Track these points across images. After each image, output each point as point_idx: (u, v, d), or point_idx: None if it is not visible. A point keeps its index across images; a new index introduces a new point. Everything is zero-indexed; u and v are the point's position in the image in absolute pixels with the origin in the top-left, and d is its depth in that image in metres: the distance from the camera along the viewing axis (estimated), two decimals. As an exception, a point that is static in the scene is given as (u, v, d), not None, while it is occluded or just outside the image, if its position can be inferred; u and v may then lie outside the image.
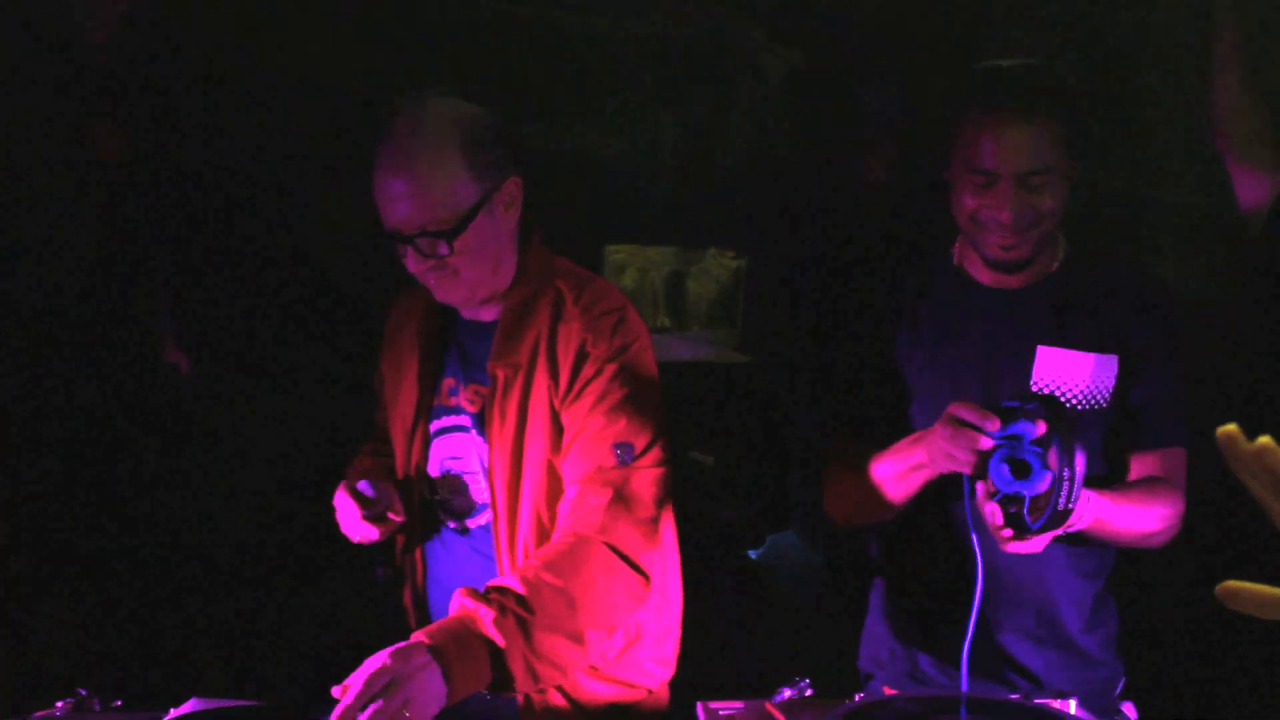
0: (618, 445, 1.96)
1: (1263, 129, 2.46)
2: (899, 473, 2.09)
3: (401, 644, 1.60)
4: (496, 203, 1.98)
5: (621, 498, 1.92)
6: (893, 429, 2.17)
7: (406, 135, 1.91)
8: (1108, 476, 2.14)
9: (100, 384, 2.93)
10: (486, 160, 1.94)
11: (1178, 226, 2.92)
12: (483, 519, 2.08)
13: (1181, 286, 2.53)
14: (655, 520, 1.97)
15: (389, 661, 1.56)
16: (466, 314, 2.11)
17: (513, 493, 1.99)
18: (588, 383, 1.99)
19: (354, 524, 2.06)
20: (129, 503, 2.96)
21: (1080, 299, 2.16)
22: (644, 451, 1.99)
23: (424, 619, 2.15)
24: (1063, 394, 2.12)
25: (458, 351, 2.12)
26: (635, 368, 2.03)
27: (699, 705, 1.84)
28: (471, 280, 2.00)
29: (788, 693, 1.84)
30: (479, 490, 2.07)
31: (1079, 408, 2.11)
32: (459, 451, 2.10)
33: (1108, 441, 2.14)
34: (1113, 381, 2.12)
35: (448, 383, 2.12)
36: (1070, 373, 2.12)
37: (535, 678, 1.73)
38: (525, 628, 1.71)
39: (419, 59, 3.11)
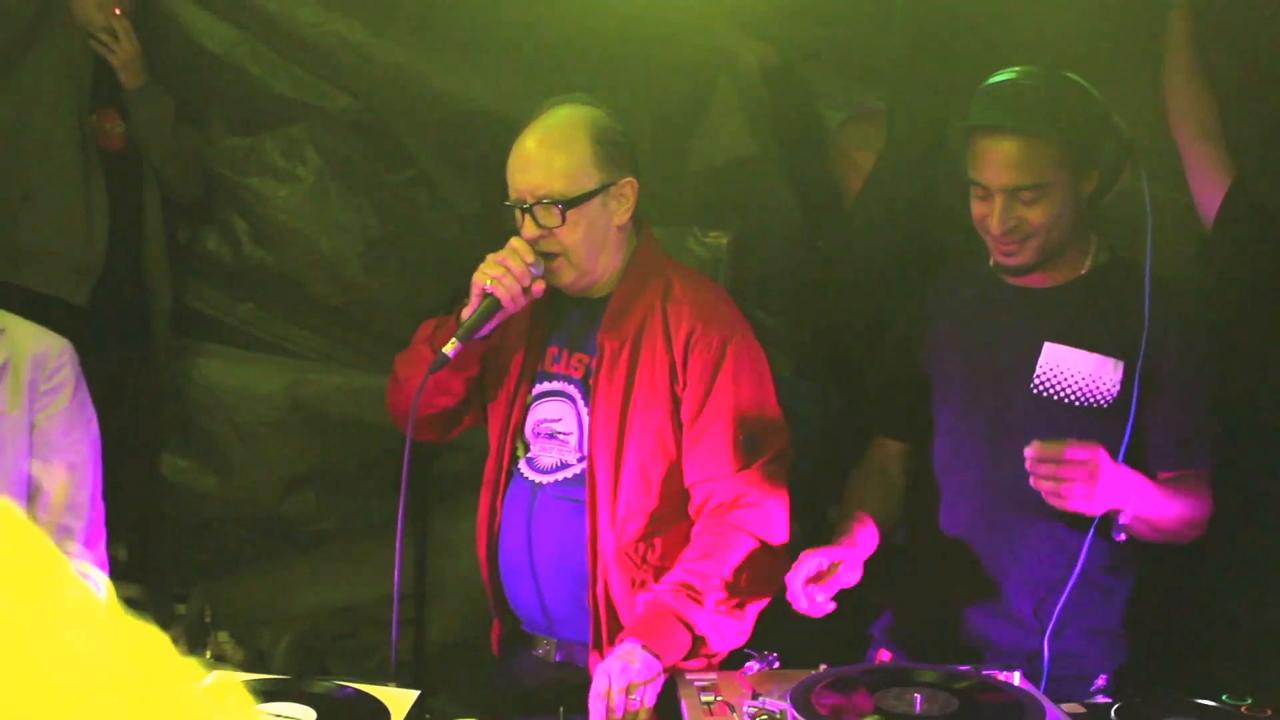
0: (745, 435, 2.18)
1: (1213, 123, 2.51)
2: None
3: (619, 646, 1.99)
4: (612, 195, 2.20)
5: (757, 491, 2.15)
6: (922, 426, 2.35)
7: (544, 122, 2.19)
8: None
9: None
10: (609, 155, 2.19)
11: (1171, 225, 2.99)
12: (565, 474, 2.25)
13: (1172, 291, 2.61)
14: (787, 504, 2.19)
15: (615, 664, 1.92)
16: (575, 293, 2.27)
17: (615, 452, 2.18)
18: (703, 366, 2.18)
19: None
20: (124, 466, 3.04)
21: (1102, 303, 2.22)
22: (769, 439, 2.20)
23: (495, 566, 2.31)
24: (1059, 389, 2.21)
25: (563, 324, 2.30)
26: (749, 351, 2.23)
27: (676, 676, 2.00)
28: (577, 260, 2.19)
29: (756, 666, 1.99)
30: (569, 450, 2.25)
31: (1077, 405, 2.20)
32: (556, 414, 2.27)
33: (1103, 441, 2.10)
34: (1116, 387, 2.18)
35: (551, 351, 2.30)
36: (1070, 369, 2.21)
37: (712, 641, 2.07)
38: (700, 604, 2.04)
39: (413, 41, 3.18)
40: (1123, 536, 2.10)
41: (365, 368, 3.24)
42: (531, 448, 2.30)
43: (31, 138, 3.11)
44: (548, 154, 2.16)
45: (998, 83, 2.20)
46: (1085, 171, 2.17)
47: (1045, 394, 2.22)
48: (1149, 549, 2.17)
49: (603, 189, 2.18)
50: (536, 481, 2.27)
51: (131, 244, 3.26)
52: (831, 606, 2.03)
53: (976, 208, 2.21)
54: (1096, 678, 2.25)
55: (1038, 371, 2.22)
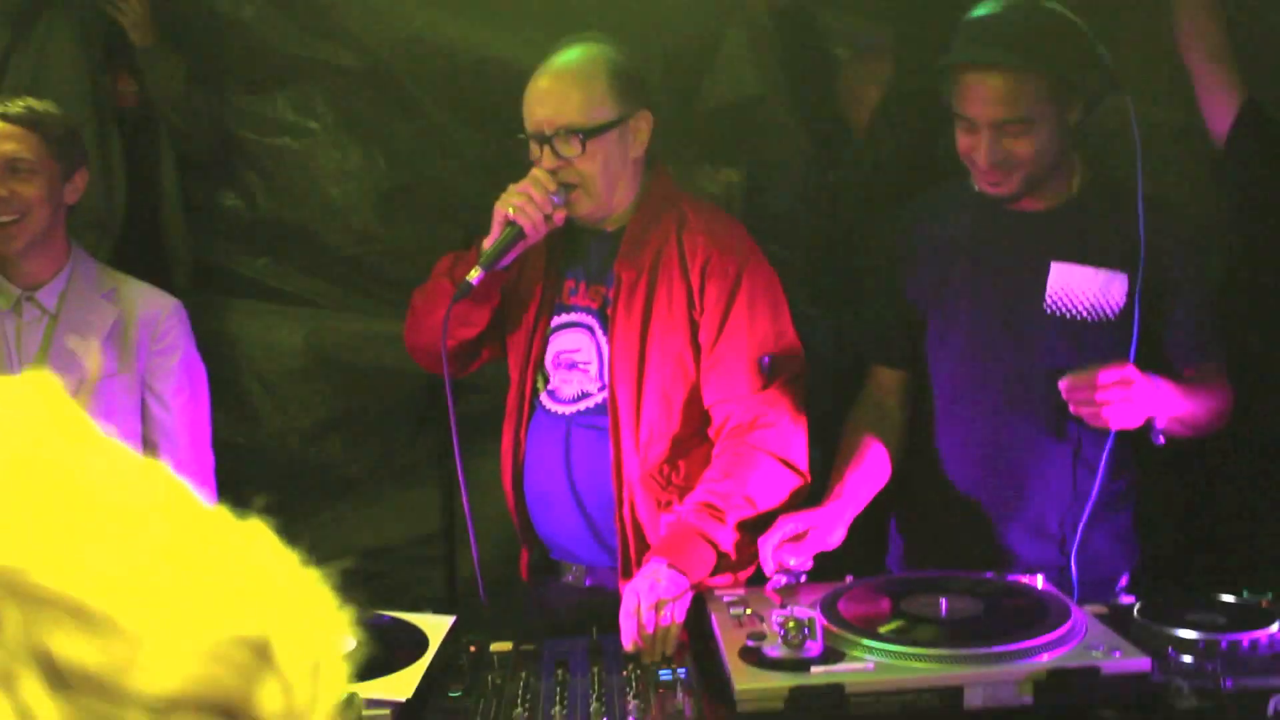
0: (761, 357, 2.22)
1: (1223, 43, 2.52)
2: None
3: (645, 566, 2.04)
4: (629, 127, 2.24)
5: (775, 411, 2.20)
6: (914, 350, 2.38)
7: (562, 57, 2.24)
8: None
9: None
10: (625, 89, 2.23)
11: (1156, 142, 3.01)
12: (588, 404, 2.29)
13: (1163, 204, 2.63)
14: (804, 424, 2.24)
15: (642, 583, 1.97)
16: (591, 224, 2.31)
17: (636, 379, 2.22)
18: (720, 291, 2.22)
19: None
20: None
21: (1097, 220, 2.27)
22: (786, 360, 2.25)
23: (520, 495, 2.36)
24: (1071, 306, 2.26)
25: (580, 257, 2.34)
26: (765, 278, 2.27)
27: (705, 593, 2.04)
28: (595, 191, 2.22)
29: (784, 580, 2.03)
30: (589, 380, 2.29)
31: (1089, 320, 2.25)
32: (575, 345, 2.32)
33: (1114, 353, 2.19)
34: (1123, 298, 2.23)
35: (569, 283, 2.34)
36: (1079, 286, 2.25)
37: (736, 558, 2.13)
38: (723, 522, 2.09)
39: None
40: (1161, 440, 2.14)
41: (382, 314, 3.27)
42: (552, 379, 2.34)
43: (48, 97, 3.14)
44: (566, 86, 2.20)
45: (980, 17, 2.20)
46: (1070, 101, 2.19)
47: (1058, 312, 2.26)
48: (1149, 450, 2.21)
49: (620, 120, 2.22)
50: (563, 413, 2.31)
51: (149, 201, 3.29)
52: (807, 567, 2.05)
53: (962, 140, 2.23)
54: (1119, 578, 2.31)
55: (1049, 290, 2.26)
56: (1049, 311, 2.26)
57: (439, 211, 3.34)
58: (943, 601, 1.87)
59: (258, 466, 3.29)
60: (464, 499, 2.19)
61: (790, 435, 2.20)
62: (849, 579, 2.04)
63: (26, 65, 3.15)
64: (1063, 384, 2.06)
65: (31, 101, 2.54)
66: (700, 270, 2.23)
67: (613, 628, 1.98)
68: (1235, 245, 2.66)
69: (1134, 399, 2.03)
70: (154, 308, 2.58)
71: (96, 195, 3.16)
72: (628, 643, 1.93)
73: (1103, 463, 2.19)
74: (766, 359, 2.22)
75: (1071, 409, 2.08)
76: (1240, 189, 2.60)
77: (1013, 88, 2.14)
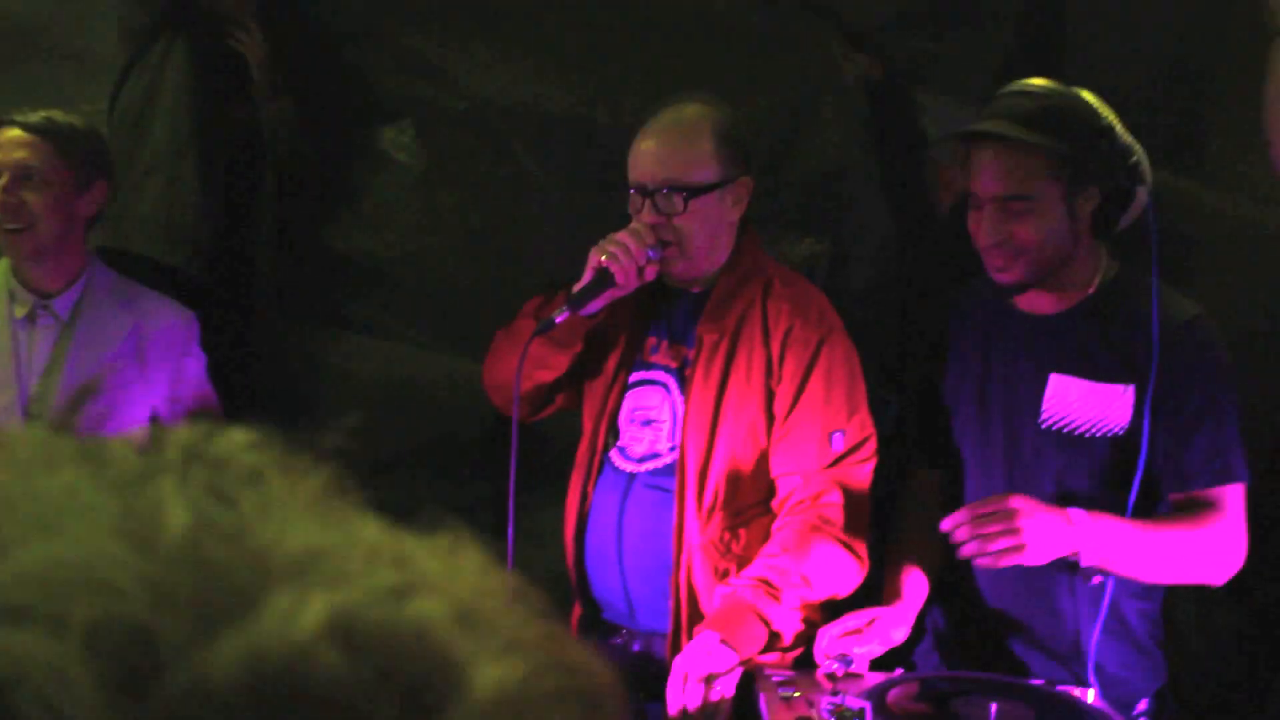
0: (833, 433, 2.21)
1: None
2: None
3: (697, 638, 2.03)
4: (730, 191, 2.25)
5: (840, 490, 2.19)
6: (946, 454, 2.31)
7: (673, 114, 2.26)
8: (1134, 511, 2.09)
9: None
10: (731, 154, 2.25)
11: (1241, 240, 2.97)
12: (656, 464, 2.30)
13: (1241, 307, 2.57)
14: (868, 508, 2.22)
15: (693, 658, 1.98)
16: (679, 284, 2.33)
17: (707, 442, 2.23)
18: (799, 363, 2.22)
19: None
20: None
21: (1106, 327, 2.15)
22: (860, 442, 2.24)
23: (580, 551, 2.35)
24: (1070, 422, 2.15)
25: (664, 316, 2.36)
26: (844, 353, 2.27)
27: (755, 670, 2.04)
28: (690, 250, 2.24)
29: (836, 666, 2.03)
30: (661, 439, 2.30)
31: (1087, 436, 2.13)
32: (650, 402, 2.33)
33: (1120, 471, 2.10)
34: (1129, 413, 2.10)
35: (650, 341, 2.36)
36: (1079, 401, 2.14)
37: (787, 638, 2.12)
38: (778, 600, 2.08)
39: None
40: (1097, 579, 2.04)
41: (459, 352, 3.32)
42: (623, 435, 2.35)
43: (159, 117, 3.24)
44: (674, 143, 2.22)
45: (998, 94, 2.16)
46: (1081, 186, 2.09)
47: (1056, 427, 2.16)
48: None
49: (724, 183, 2.24)
50: (629, 472, 2.32)
51: (246, 224, 3.38)
52: (861, 663, 1.99)
53: (970, 220, 2.16)
54: (1138, 702, 2.19)
55: (1044, 405, 2.17)
56: (1045, 427, 2.16)
57: (524, 257, 3.39)
58: (992, 707, 1.85)
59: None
60: (509, 542, 2.18)
61: (853, 517, 2.19)
62: (899, 671, 2.03)
63: (142, 83, 3.26)
64: (944, 524, 1.94)
65: (54, 113, 2.55)
66: (782, 339, 2.24)
67: (658, 695, 1.98)
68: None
69: (1023, 534, 1.90)
70: (169, 319, 2.60)
71: (191, 211, 3.25)
72: (674, 711, 1.93)
73: (1108, 589, 2.06)
74: (839, 435, 2.22)
75: (958, 553, 1.94)
76: None
77: (1013, 162, 2.07)
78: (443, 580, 0.41)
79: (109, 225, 3.28)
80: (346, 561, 0.39)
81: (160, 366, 2.58)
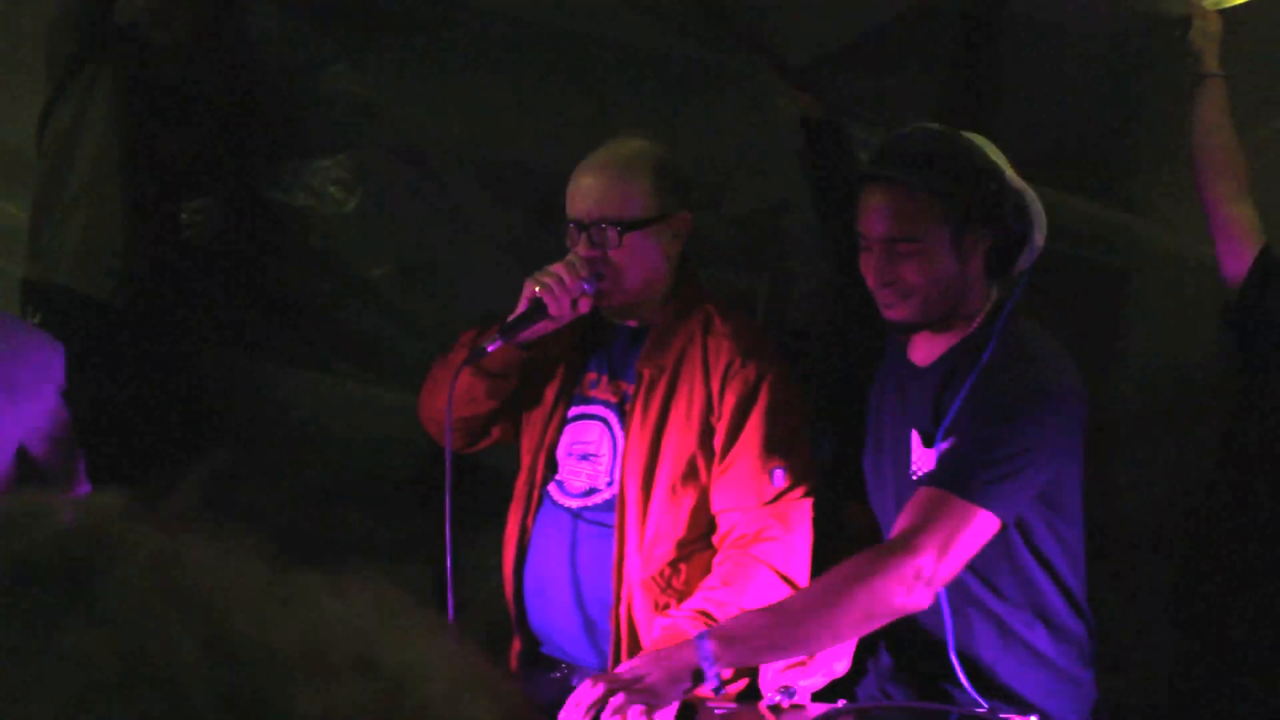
0: (773, 470, 2.20)
1: (1244, 186, 2.53)
2: None
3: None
4: (667, 226, 2.27)
5: (781, 525, 2.18)
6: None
7: (611, 150, 2.31)
8: None
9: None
10: (668, 189, 2.28)
11: (1169, 272, 3.01)
12: (596, 499, 2.29)
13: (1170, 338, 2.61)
14: (809, 542, 2.21)
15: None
16: (615, 318, 2.34)
17: (647, 477, 2.22)
18: (739, 399, 2.22)
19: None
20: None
21: (953, 380, 2.12)
22: (799, 478, 2.22)
23: (519, 584, 2.33)
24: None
25: (603, 350, 2.35)
26: (784, 389, 2.26)
27: (695, 703, 2.01)
28: (626, 284, 2.24)
29: (780, 698, 2.01)
30: (600, 474, 2.29)
31: None
32: (589, 436, 2.32)
33: None
34: None
35: (590, 375, 2.35)
36: (925, 457, 2.14)
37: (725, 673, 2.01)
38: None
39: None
40: (785, 699, 2.00)
41: (397, 386, 3.28)
42: (562, 469, 2.33)
43: (85, 146, 3.18)
44: (611, 179, 2.25)
45: (889, 137, 2.19)
46: (973, 230, 2.08)
47: (921, 479, 2.14)
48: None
49: (660, 218, 2.26)
50: (569, 507, 2.30)
51: (175, 255, 3.31)
52: (804, 694, 1.99)
53: (861, 261, 2.16)
54: None
55: (912, 459, 2.18)
56: (914, 479, 2.15)
57: (459, 292, 3.36)
58: (937, 735, 1.84)
59: (255, 531, 3.27)
60: (448, 575, 2.15)
61: (793, 551, 2.18)
62: (841, 702, 2.02)
63: (68, 112, 3.20)
64: None
65: None
66: (722, 375, 2.24)
67: (599, 731, 1.95)
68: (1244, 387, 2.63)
69: (645, 683, 1.89)
70: (30, 349, 2.51)
71: (118, 243, 3.19)
72: None
73: (944, 598, 2.04)
74: (779, 471, 2.22)
75: None
76: (1255, 329, 2.58)
77: (900, 204, 2.07)
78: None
79: (34, 257, 3.22)
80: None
81: (28, 399, 2.48)
